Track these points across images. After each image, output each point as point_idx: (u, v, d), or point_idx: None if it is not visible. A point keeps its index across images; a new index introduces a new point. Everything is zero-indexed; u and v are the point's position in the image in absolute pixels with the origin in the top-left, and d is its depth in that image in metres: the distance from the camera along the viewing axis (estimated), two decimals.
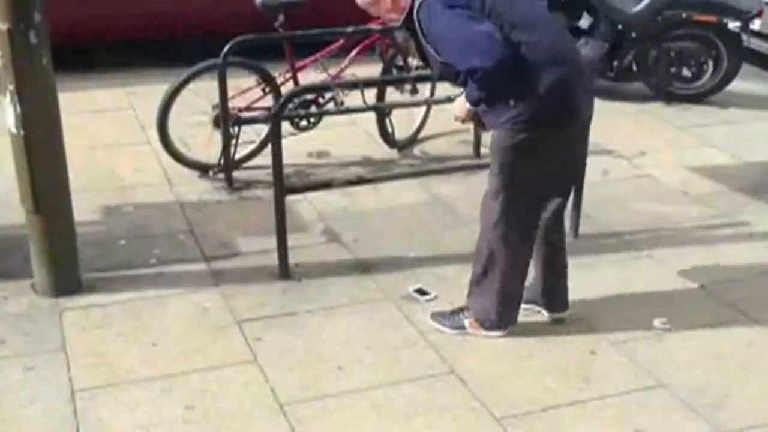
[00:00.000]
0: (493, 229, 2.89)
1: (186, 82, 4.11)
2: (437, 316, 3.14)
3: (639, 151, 4.81)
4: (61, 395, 2.75)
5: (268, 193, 3.88)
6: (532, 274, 3.11)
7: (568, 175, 3.03)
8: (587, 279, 3.45)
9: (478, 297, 3.03)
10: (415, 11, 2.75)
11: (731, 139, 5.04)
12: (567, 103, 2.77)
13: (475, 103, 2.80)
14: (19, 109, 3.06)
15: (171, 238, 3.77)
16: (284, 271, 3.43)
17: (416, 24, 2.75)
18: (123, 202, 4.10)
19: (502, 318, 3.03)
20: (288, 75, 4.30)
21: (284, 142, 3.36)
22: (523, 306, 3.11)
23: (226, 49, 3.98)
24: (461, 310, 3.10)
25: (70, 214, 3.31)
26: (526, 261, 2.99)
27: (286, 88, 4.22)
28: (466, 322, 3.06)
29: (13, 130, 3.12)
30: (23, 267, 3.37)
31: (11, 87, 3.04)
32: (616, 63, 5.56)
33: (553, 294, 3.15)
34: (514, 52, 2.65)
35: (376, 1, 2.87)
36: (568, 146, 2.90)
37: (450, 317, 3.11)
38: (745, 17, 5.36)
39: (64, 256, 3.31)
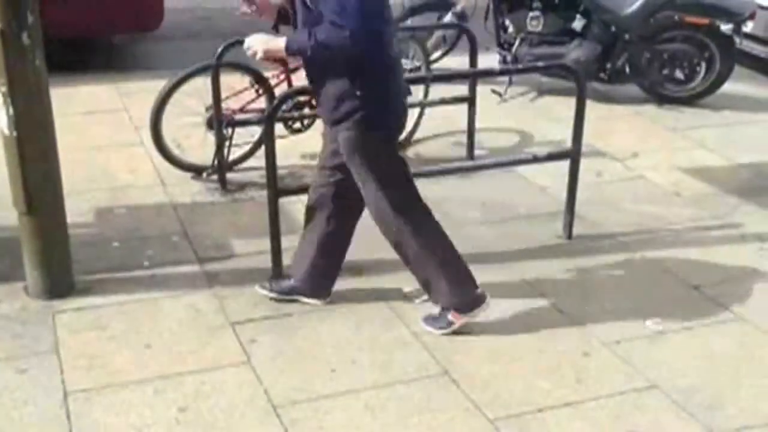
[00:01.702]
0: (396, 225, 2.99)
1: (180, 83, 4.11)
2: (429, 319, 3.15)
3: (632, 152, 4.82)
4: (54, 397, 2.74)
5: (261, 195, 3.88)
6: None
7: None
8: (580, 280, 3.46)
9: (436, 292, 3.08)
10: None
11: (724, 141, 5.05)
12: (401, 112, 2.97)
13: (302, 51, 2.78)
14: (11, 110, 3.06)
15: (164, 239, 3.76)
16: (278, 273, 3.42)
17: None
18: (116, 203, 4.09)
19: (468, 298, 3.06)
20: (282, 76, 4.29)
21: (278, 143, 3.36)
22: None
23: (219, 50, 3.98)
24: (444, 308, 3.11)
25: (63, 216, 3.30)
26: (435, 229, 3.04)
27: (280, 90, 4.23)
28: (450, 317, 3.07)
29: (6, 131, 3.11)
30: (15, 269, 3.36)
31: (4, 88, 3.03)
32: (609, 65, 5.57)
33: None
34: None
35: None
36: None
37: (439, 319, 3.11)
38: (738, 19, 5.38)
39: (56, 257, 3.30)
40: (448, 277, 3.03)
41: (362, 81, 2.78)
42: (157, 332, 3.09)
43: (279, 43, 2.84)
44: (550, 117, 5.30)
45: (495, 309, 3.26)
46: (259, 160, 4.04)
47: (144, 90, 4.95)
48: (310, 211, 3.18)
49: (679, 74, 5.54)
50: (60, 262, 3.31)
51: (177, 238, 3.78)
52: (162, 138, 4.21)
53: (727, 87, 5.61)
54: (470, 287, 3.07)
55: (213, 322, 3.17)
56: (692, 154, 4.86)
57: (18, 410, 2.69)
